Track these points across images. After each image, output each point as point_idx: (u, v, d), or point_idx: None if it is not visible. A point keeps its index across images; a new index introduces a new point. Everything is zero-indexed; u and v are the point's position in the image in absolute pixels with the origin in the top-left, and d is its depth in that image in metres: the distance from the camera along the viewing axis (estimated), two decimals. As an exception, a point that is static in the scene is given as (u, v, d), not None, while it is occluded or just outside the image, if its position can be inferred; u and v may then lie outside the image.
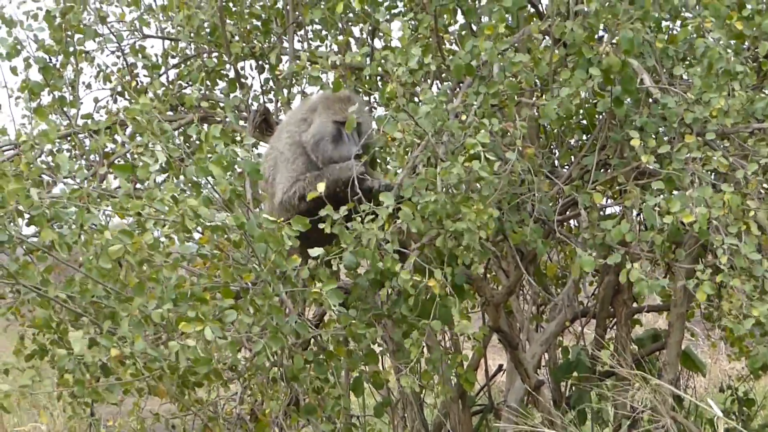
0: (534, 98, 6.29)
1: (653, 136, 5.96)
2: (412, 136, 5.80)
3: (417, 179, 5.75)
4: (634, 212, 6.22)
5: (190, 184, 5.39)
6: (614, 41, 5.90)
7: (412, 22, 6.70)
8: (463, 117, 5.81)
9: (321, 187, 5.85)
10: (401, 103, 5.83)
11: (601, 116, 6.50)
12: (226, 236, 5.35)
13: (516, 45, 6.23)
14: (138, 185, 6.02)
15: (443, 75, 6.70)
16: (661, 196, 5.78)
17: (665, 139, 6.02)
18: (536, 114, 6.15)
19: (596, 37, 6.07)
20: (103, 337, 5.07)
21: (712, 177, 5.87)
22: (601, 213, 6.44)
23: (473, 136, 5.66)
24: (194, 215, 5.17)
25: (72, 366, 5.07)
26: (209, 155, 5.43)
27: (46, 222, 5.05)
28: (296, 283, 5.64)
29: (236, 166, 5.49)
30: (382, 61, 6.04)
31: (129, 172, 5.32)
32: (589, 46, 5.92)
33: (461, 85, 6.15)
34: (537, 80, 6.11)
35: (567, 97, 5.84)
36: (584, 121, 6.92)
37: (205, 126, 7.45)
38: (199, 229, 5.35)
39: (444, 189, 5.68)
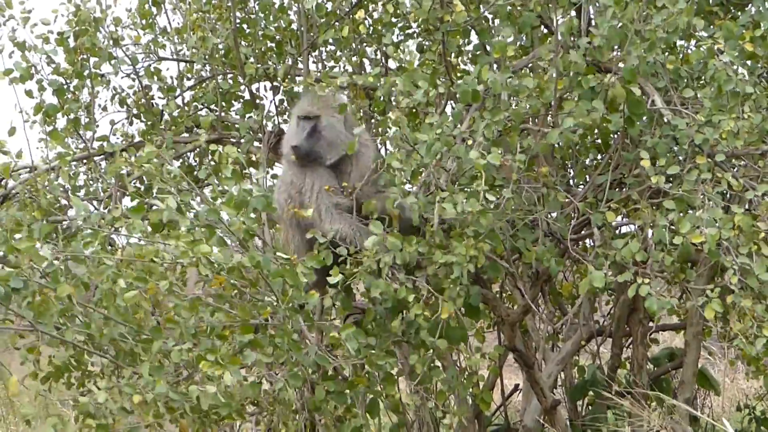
0: (541, 124, 6.29)
1: (665, 157, 5.95)
2: (411, 166, 5.80)
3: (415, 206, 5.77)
4: (648, 232, 6.21)
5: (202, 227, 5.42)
6: (620, 67, 5.91)
7: (426, 43, 6.73)
8: (470, 142, 5.80)
9: (309, 212, 5.91)
10: (404, 133, 5.84)
11: (615, 135, 6.50)
12: (242, 275, 5.38)
13: (528, 66, 6.23)
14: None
15: (456, 96, 6.70)
16: (671, 215, 5.78)
17: (676, 159, 6.01)
18: (542, 140, 6.13)
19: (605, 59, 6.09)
20: (126, 385, 5.10)
21: (722, 198, 5.85)
22: (616, 231, 6.43)
23: (483, 158, 5.66)
24: (208, 262, 5.22)
25: (93, 410, 5.10)
26: (221, 194, 5.49)
27: (61, 276, 5.10)
28: (312, 318, 5.67)
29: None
30: (393, 86, 6.04)
31: (142, 212, 5.35)
32: (593, 77, 5.92)
33: (469, 108, 6.15)
34: (542, 106, 6.10)
35: (568, 128, 5.83)
36: (599, 140, 6.93)
37: (220, 148, 7.53)
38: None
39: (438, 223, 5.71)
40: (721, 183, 5.79)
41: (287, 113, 7.73)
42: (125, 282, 5.10)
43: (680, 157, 5.98)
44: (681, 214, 5.79)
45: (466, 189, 5.74)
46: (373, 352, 5.77)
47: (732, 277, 5.62)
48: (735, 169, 5.95)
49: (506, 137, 6.05)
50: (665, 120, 5.97)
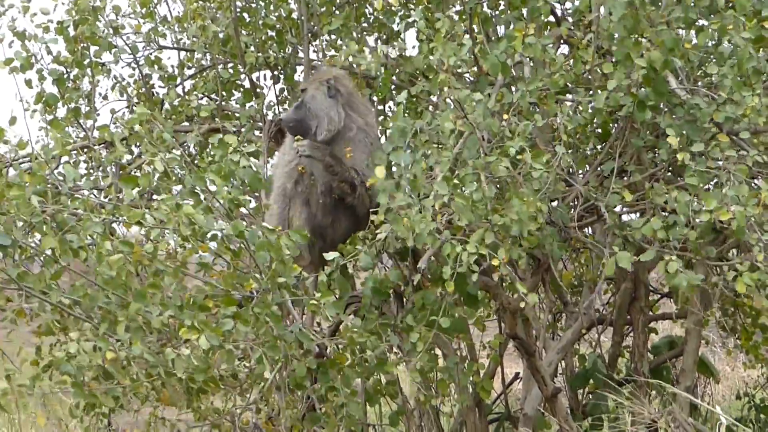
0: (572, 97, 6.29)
1: (678, 137, 5.95)
2: (465, 127, 5.72)
3: (463, 172, 5.69)
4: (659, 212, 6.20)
5: (189, 194, 5.39)
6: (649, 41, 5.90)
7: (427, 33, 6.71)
8: (505, 116, 5.76)
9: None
10: (454, 94, 5.77)
11: (616, 124, 6.50)
12: (225, 245, 5.35)
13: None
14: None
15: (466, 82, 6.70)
16: (693, 193, 5.79)
17: (689, 141, 6.00)
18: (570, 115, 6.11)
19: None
20: (99, 340, 5.08)
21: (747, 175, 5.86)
22: (628, 216, 6.45)
23: (511, 138, 5.64)
24: (189, 222, 5.19)
25: (72, 370, 5.08)
26: (210, 164, 5.47)
27: (48, 229, 5.07)
28: (296, 293, 5.63)
29: (238, 175, 5.51)
30: (431, 54, 5.97)
31: (134, 184, 5.33)
32: (631, 43, 5.90)
33: (492, 86, 6.14)
34: (573, 79, 6.11)
35: (613, 90, 5.82)
36: (598, 130, 6.93)
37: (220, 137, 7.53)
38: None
39: (488, 184, 5.64)
40: (745, 160, 5.78)
41: (287, 102, 7.73)
42: (111, 245, 5.10)
43: (693, 139, 5.95)
44: (705, 189, 5.79)
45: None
46: (355, 330, 5.75)
47: (758, 254, 5.61)
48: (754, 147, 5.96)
49: (542, 106, 6.04)
50: (674, 104, 5.97)
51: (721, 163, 5.81)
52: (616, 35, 5.93)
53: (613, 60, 6.00)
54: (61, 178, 6.70)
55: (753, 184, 5.82)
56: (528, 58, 6.08)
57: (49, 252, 5.10)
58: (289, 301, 5.57)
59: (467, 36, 6.35)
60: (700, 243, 5.94)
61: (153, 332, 5.18)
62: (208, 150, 7.22)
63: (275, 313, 5.46)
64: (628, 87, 5.91)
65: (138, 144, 5.53)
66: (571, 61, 6.09)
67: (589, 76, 6.12)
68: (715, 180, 5.83)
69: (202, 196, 5.37)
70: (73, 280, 5.30)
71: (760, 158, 5.80)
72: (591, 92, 6.07)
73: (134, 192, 5.35)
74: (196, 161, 5.91)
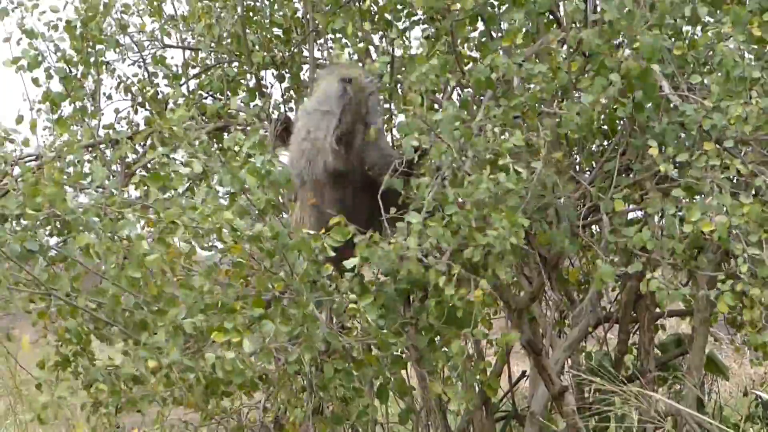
0: (555, 107, 6.27)
1: (673, 144, 5.94)
2: (438, 147, 5.73)
3: (444, 196, 5.70)
4: (656, 218, 6.20)
5: (224, 194, 5.38)
6: (634, 48, 5.89)
7: (432, 30, 6.70)
8: (488, 133, 5.77)
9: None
10: (419, 113, 5.80)
11: (622, 121, 6.49)
12: (259, 246, 5.34)
13: (536, 53, 6.22)
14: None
15: (462, 83, 6.69)
16: (681, 204, 5.77)
17: (684, 146, 6.00)
18: (557, 122, 6.11)
19: (615, 43, 6.07)
20: (142, 348, 5.09)
21: (730, 184, 5.84)
22: (627, 218, 6.44)
23: (499, 149, 5.65)
24: (231, 229, 5.18)
25: (102, 378, 5.08)
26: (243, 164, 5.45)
27: (78, 228, 5.07)
28: (330, 292, 5.61)
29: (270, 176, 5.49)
30: (402, 71, 6.00)
31: (162, 182, 5.31)
32: (609, 55, 5.90)
33: (482, 98, 6.14)
34: (557, 90, 6.10)
35: (588, 104, 5.82)
36: (605, 126, 6.92)
37: (225, 135, 7.52)
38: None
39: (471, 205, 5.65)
40: (729, 169, 5.77)
41: (293, 101, 7.72)
42: (148, 245, 5.09)
43: (687, 144, 5.96)
44: (691, 200, 5.78)
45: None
46: (384, 331, 5.72)
47: (741, 265, 5.60)
48: (743, 154, 5.94)
49: (525, 120, 6.04)
50: (673, 106, 5.96)
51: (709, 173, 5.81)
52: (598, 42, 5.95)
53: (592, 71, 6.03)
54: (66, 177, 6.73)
55: (738, 195, 5.80)
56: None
57: (79, 252, 5.10)
58: (312, 303, 5.58)
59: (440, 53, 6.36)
60: (691, 253, 5.95)
61: (181, 336, 5.19)
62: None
63: (310, 313, 5.45)
64: (614, 98, 5.91)
65: (177, 144, 5.50)
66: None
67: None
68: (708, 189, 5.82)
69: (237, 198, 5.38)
70: (91, 282, 5.30)
71: (743, 168, 5.77)
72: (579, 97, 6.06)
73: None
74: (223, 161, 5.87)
